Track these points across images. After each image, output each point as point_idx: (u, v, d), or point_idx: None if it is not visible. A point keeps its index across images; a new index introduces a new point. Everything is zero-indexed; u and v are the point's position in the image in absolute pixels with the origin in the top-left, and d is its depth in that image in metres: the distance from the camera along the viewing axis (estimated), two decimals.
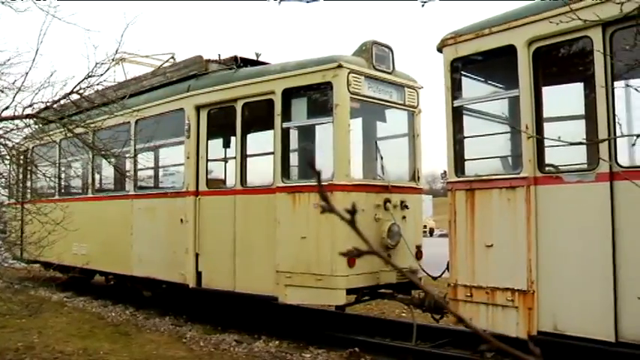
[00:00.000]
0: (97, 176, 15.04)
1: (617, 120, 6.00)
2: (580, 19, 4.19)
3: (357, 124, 10.10)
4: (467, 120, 7.89)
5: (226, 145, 12.18)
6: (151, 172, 13.76)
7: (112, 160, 10.12)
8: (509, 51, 7.10)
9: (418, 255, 10.06)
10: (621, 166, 6.23)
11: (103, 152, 9.44)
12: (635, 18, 4.48)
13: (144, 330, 10.88)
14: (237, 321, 10.80)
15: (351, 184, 9.04)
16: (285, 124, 9.69)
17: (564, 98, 8.13)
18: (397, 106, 10.22)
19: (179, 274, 10.96)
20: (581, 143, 3.00)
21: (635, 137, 8.72)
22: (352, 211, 0.93)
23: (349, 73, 9.12)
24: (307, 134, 10.55)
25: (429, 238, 33.07)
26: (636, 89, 5.73)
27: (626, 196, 6.00)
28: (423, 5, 2.32)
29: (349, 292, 9.12)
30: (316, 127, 10.37)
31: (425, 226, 47.39)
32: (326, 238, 8.90)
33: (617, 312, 6.05)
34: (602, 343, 6.12)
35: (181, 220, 11.03)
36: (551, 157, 6.81)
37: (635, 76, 6.58)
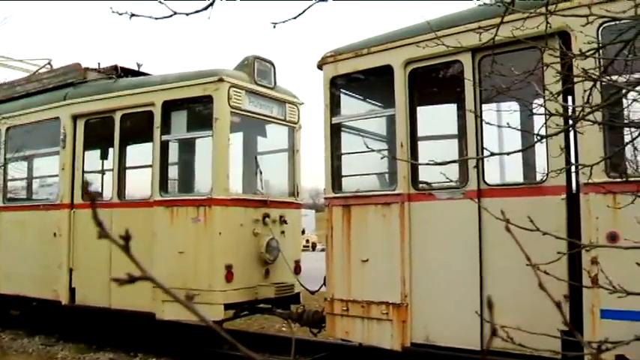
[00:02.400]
0: None
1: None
2: (445, 45, 4.39)
3: (237, 139, 10.09)
4: (345, 137, 8.06)
5: (104, 156, 11.79)
6: (23, 183, 13.08)
7: None
8: (387, 71, 7.32)
9: (297, 270, 10.12)
10: (488, 184, 6.56)
11: None
12: (500, 46, 4.78)
13: (10, 352, 10.26)
14: (113, 339, 10.43)
15: (229, 198, 8.99)
16: (164, 137, 9.53)
17: (439, 118, 8.45)
18: (278, 121, 10.27)
19: (51, 291, 10.47)
20: (446, 163, 3.16)
21: (502, 156, 9.21)
22: (126, 237, 0.92)
23: (230, 87, 9.09)
24: (187, 147, 10.42)
25: (311, 253, 33.35)
26: (503, 123, 6.04)
27: (491, 212, 6.30)
28: (274, 27, 2.37)
29: (227, 307, 9.04)
30: (196, 140, 10.28)
31: (307, 241, 47.80)
32: (204, 252, 8.81)
33: (482, 322, 6.32)
34: (471, 352, 6.38)
35: (55, 233, 10.56)
36: (425, 174, 7.07)
37: (503, 99, 6.94)
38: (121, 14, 2.08)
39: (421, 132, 7.34)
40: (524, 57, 5.04)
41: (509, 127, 3.35)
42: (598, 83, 3.59)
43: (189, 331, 10.69)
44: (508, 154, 3.36)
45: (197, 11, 2.12)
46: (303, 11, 2.32)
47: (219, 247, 8.76)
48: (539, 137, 2.91)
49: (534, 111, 5.55)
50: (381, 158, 3.66)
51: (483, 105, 6.88)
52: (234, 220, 9.06)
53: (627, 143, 3.87)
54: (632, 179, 5.37)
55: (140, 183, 10.19)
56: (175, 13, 2.06)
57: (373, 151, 8.20)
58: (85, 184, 10.40)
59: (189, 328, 10.63)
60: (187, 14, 2.08)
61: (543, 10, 3.45)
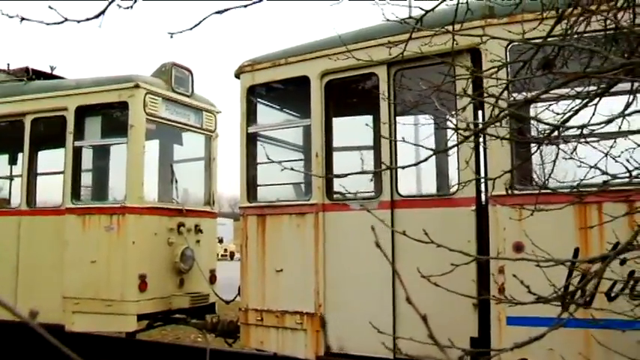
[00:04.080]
0: None
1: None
2: (355, 58, 4.45)
3: (153, 146, 9.93)
4: (261, 146, 8.04)
5: (12, 161, 11.41)
6: None
7: None
8: (304, 82, 7.35)
9: (212, 279, 10.02)
10: (401, 195, 6.68)
11: None
12: (415, 60, 4.89)
13: None
14: (19, 352, 10.02)
15: (144, 206, 8.83)
16: (77, 143, 9.26)
17: (355, 129, 8.54)
18: (195, 129, 10.17)
19: None
20: (353, 174, 3.20)
21: (419, 169, 9.38)
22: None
23: (146, 93, 8.95)
24: (101, 154, 10.19)
25: (229, 262, 33.09)
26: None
27: (404, 222, 6.42)
28: (171, 37, 2.35)
29: (141, 317, 8.85)
30: (111, 147, 10.06)
31: (225, 250, 47.47)
32: (117, 262, 8.60)
33: (395, 331, 6.42)
34: None
35: None
36: (340, 185, 7.12)
37: (419, 112, 7.08)
38: (11, 17, 2.01)
39: (337, 142, 7.39)
40: (441, 71, 5.15)
41: (403, 141, 3.43)
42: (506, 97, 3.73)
43: (102, 343, 10.43)
44: (403, 167, 3.43)
45: (88, 19, 2.07)
46: (199, 22, 2.31)
47: (133, 257, 8.59)
48: (434, 151, 2.96)
49: (448, 125, 5.73)
50: (285, 169, 3.67)
51: (399, 117, 7.01)
52: (149, 228, 8.90)
53: (524, 161, 4.02)
54: (529, 192, 5.57)
55: (51, 190, 9.88)
56: (66, 20, 2.00)
57: (288, 161, 8.26)
58: None
59: (101, 339, 10.38)
60: (78, 22, 2.04)
61: (448, 28, 3.55)
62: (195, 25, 2.32)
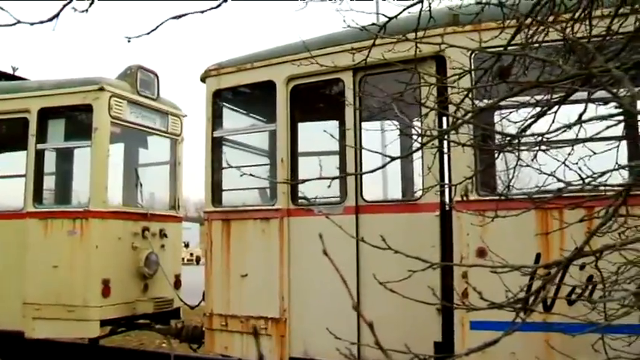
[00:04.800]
0: None
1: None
2: (319, 64, 4.47)
3: (117, 150, 9.81)
4: (226, 151, 8.02)
5: None
6: None
7: None
8: (270, 86, 7.34)
9: (177, 284, 9.94)
10: (366, 201, 6.70)
11: None
12: (381, 66, 4.93)
13: None
14: None
15: (107, 210, 8.73)
16: (40, 146, 9.12)
17: (321, 134, 8.53)
18: (160, 133, 10.11)
19: None
20: (318, 179, 3.21)
21: (386, 175, 9.43)
22: None
23: (111, 96, 8.86)
24: (64, 157, 10.05)
25: (195, 266, 32.85)
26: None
27: (369, 228, 6.45)
28: (129, 41, 2.34)
29: (104, 323, 8.74)
30: (74, 150, 9.93)
31: (191, 254, 47.12)
32: (80, 267, 8.48)
33: (359, 336, 6.43)
34: None
35: None
36: (306, 190, 7.13)
37: (385, 117, 7.12)
38: None
39: (303, 148, 7.40)
40: (407, 78, 5.19)
41: (363, 148, 3.45)
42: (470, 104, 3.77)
43: (64, 350, 10.29)
44: (361, 174, 3.45)
45: (42, 22, 2.04)
46: (156, 27, 2.30)
47: (96, 261, 8.49)
48: (391, 158, 2.99)
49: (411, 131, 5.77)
50: (244, 174, 3.66)
51: (365, 123, 7.04)
52: (113, 233, 8.81)
53: (484, 168, 4.07)
54: (489, 199, 5.64)
55: (13, 193, 9.71)
56: (19, 22, 1.97)
57: (253, 166, 8.25)
58: None
59: (62, 346, 10.24)
60: (32, 24, 2.01)
61: (409, 35, 3.59)
62: (152, 30, 2.31)
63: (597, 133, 2.46)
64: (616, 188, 2.43)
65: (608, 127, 2.30)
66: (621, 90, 1.73)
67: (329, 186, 2.83)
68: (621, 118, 2.78)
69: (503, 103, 3.91)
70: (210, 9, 2.28)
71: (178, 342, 9.23)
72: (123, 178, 10.13)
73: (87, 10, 2.17)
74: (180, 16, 2.26)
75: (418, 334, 6.13)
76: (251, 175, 3.54)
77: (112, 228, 8.79)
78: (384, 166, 3.01)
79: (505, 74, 2.93)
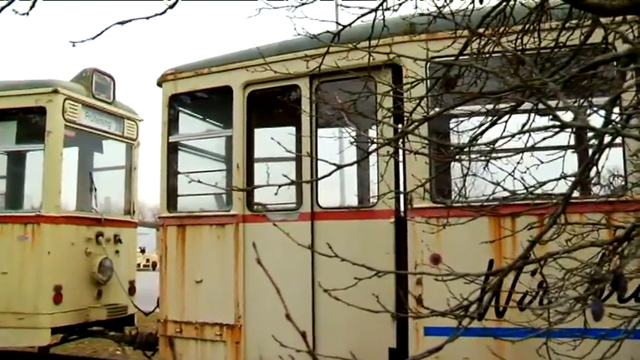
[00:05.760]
0: None
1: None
2: (273, 70, 4.48)
3: (71, 154, 9.68)
4: (182, 156, 7.97)
5: None
6: None
7: None
8: (227, 91, 7.33)
9: (131, 290, 9.84)
10: (322, 207, 6.73)
11: None
12: (337, 73, 4.95)
13: None
14: None
15: (60, 215, 8.60)
16: None
17: (278, 140, 8.52)
18: (115, 137, 10.00)
19: None
20: (268, 185, 3.21)
21: (342, 181, 9.47)
22: None
23: (65, 99, 8.74)
24: (16, 160, 9.87)
25: (151, 272, 32.49)
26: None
27: (324, 234, 6.47)
28: (74, 45, 2.32)
29: (55, 330, 8.60)
30: (27, 153, 9.76)
31: (148, 260, 46.55)
32: (30, 273, 8.33)
33: (315, 342, 6.44)
34: None
35: None
36: (262, 196, 7.13)
37: (341, 124, 7.15)
38: None
39: (259, 153, 7.39)
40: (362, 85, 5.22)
41: (308, 155, 3.47)
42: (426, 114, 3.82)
43: None
44: (308, 182, 3.46)
45: None
46: (101, 32, 2.28)
47: (48, 267, 8.35)
48: (337, 166, 3.01)
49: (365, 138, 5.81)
50: (198, 181, 3.64)
51: (321, 129, 7.07)
52: (65, 238, 8.67)
53: (435, 175, 4.12)
54: (440, 206, 5.71)
55: None
56: None
57: (209, 171, 8.21)
58: None
59: (10, 356, 10.01)
60: None
61: (363, 44, 3.62)
62: (97, 35, 2.28)
63: (537, 142, 2.51)
64: (555, 198, 2.49)
65: (544, 139, 2.35)
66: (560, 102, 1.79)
67: (276, 193, 2.83)
68: (567, 129, 2.85)
69: (455, 111, 3.97)
70: (154, 15, 2.27)
71: (132, 349, 9.13)
72: (77, 183, 10.01)
73: (28, 13, 2.14)
74: (125, 22, 2.25)
75: (373, 340, 6.16)
76: (199, 181, 3.51)
77: (65, 233, 8.66)
78: (330, 174, 3.04)
79: (451, 85, 2.98)
